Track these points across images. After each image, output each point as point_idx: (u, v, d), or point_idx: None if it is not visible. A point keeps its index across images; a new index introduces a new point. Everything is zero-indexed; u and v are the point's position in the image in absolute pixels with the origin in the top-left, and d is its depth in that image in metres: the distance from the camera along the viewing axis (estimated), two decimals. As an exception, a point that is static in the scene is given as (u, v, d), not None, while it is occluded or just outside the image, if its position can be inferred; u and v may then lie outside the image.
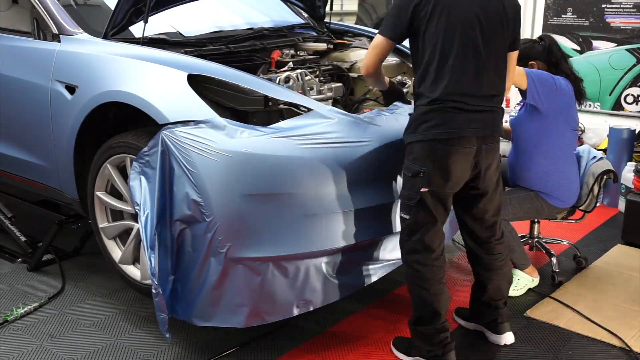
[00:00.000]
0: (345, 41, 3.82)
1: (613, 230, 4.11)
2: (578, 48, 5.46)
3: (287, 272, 2.55)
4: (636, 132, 4.68)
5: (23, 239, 3.66)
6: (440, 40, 2.43)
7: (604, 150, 4.84)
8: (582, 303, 3.18)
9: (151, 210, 2.52)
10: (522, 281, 3.32)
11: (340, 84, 3.40)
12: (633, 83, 5.22)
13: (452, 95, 2.43)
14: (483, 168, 2.57)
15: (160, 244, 2.53)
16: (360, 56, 3.67)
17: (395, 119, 2.86)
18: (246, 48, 3.31)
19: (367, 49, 3.76)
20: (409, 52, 3.63)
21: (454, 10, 2.43)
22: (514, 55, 2.65)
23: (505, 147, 3.44)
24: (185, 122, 2.51)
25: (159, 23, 3.25)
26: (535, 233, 3.71)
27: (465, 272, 3.54)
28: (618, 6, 5.21)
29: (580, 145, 3.60)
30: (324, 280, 2.61)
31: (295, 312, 2.61)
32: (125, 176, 2.88)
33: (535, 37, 5.59)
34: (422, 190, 2.49)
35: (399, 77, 3.65)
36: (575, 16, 5.42)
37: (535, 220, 3.64)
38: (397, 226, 2.78)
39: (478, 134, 2.49)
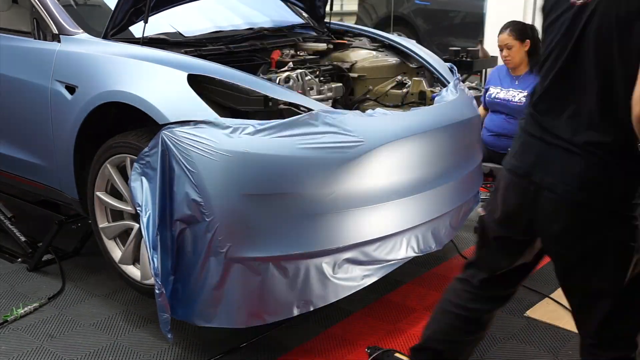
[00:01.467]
0: (345, 41, 3.82)
1: (613, 230, 4.10)
2: (578, 48, 5.45)
3: (287, 272, 2.55)
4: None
5: (23, 239, 3.65)
6: None
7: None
8: (582, 303, 3.19)
9: (153, 211, 2.52)
10: None
11: (340, 84, 3.40)
12: (633, 83, 5.21)
13: None
14: None
15: (160, 244, 2.53)
16: (360, 56, 3.67)
17: (395, 119, 2.87)
18: (246, 48, 3.31)
19: (367, 49, 3.77)
20: (409, 52, 3.67)
21: None
22: None
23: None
24: (185, 122, 2.51)
25: (159, 23, 3.25)
26: None
27: (465, 272, 3.54)
28: (618, 6, 5.20)
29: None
30: (324, 280, 2.60)
31: (295, 312, 2.60)
32: (125, 176, 2.88)
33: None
34: None
35: (399, 77, 3.65)
36: (575, 16, 5.41)
37: None
38: (397, 226, 2.78)
39: None
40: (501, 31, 4.03)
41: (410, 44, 3.73)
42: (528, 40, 3.95)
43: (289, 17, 3.96)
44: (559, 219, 1.84)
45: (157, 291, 2.50)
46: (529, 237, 1.99)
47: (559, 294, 3.27)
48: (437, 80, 3.56)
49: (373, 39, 3.82)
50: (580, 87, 1.78)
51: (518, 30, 3.97)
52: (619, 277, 1.83)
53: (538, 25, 5.92)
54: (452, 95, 3.25)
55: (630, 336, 1.91)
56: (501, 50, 4.04)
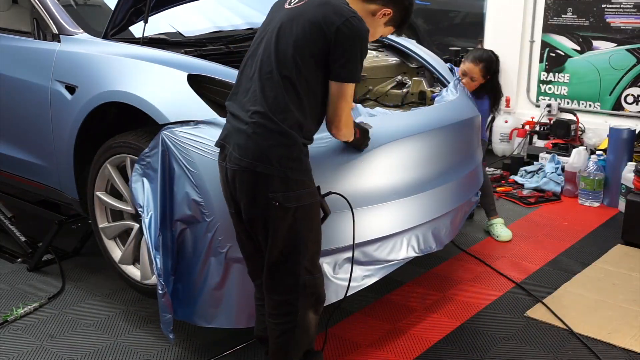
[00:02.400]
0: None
1: (613, 230, 4.11)
2: (578, 48, 5.46)
3: (287, 272, 2.54)
4: (636, 132, 4.68)
5: (23, 239, 3.66)
6: None
7: (604, 151, 4.85)
8: (582, 303, 3.19)
9: (155, 212, 2.52)
10: (500, 226, 4.01)
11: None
12: (633, 83, 5.22)
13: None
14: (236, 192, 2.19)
15: (161, 244, 2.53)
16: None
17: (393, 119, 2.87)
18: (246, 48, 3.29)
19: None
20: (409, 52, 3.67)
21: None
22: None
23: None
24: (185, 122, 2.51)
25: (159, 23, 3.25)
26: None
27: (465, 272, 3.54)
28: (618, 6, 5.20)
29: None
30: (325, 281, 2.59)
31: (295, 312, 2.60)
32: (125, 176, 2.88)
33: (534, 38, 5.65)
34: None
35: (399, 77, 3.65)
36: (575, 16, 5.42)
37: None
38: (398, 226, 2.78)
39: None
40: (472, 61, 3.82)
41: (410, 44, 3.73)
42: (489, 76, 3.87)
43: (289, 17, 3.95)
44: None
45: (160, 291, 2.49)
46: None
47: (555, 297, 3.27)
48: (437, 80, 3.56)
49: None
50: None
51: (487, 68, 3.83)
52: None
53: (538, 25, 5.91)
54: (452, 95, 3.25)
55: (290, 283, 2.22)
56: (463, 75, 3.82)
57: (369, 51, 3.68)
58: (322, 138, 2.45)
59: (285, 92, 2.10)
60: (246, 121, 2.11)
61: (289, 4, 2.22)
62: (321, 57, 2.11)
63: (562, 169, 4.91)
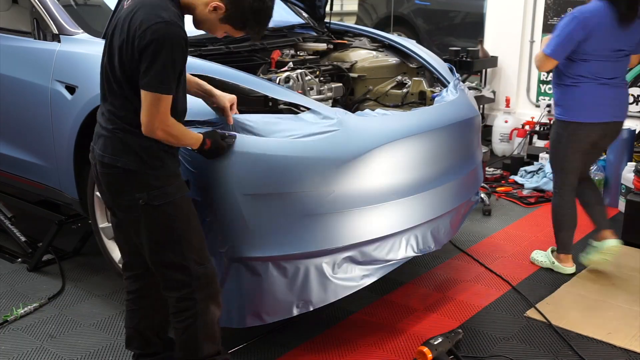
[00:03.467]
0: (345, 41, 3.82)
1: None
2: (578, 48, 5.45)
3: (286, 272, 2.55)
4: (636, 132, 4.68)
5: (23, 239, 3.66)
6: None
7: (604, 151, 4.84)
8: (582, 303, 3.19)
9: None
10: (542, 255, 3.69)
11: (340, 84, 3.40)
12: (633, 83, 5.21)
13: None
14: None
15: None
16: (360, 56, 3.67)
17: (395, 119, 2.87)
18: (246, 48, 3.31)
19: (367, 49, 3.77)
20: (409, 52, 3.67)
21: None
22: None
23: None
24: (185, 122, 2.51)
25: (159, 23, 3.24)
26: None
27: (465, 272, 3.54)
28: (618, 6, 5.20)
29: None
30: (324, 280, 2.60)
31: (295, 312, 2.60)
32: (125, 176, 2.88)
33: (534, 38, 5.65)
34: None
35: (399, 77, 3.65)
36: (575, 16, 5.41)
37: None
38: (397, 226, 2.78)
39: None
40: None
41: (410, 44, 3.73)
42: None
43: (289, 17, 3.96)
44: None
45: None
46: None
47: (552, 299, 3.27)
48: (437, 80, 3.56)
49: (373, 39, 3.82)
50: None
51: None
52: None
53: (538, 25, 5.90)
54: (452, 95, 3.25)
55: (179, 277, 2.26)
56: None
57: (368, 51, 3.71)
58: (322, 132, 2.44)
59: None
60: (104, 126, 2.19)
61: (127, 2, 2.21)
62: (133, 62, 2.09)
63: (562, 169, 4.90)
